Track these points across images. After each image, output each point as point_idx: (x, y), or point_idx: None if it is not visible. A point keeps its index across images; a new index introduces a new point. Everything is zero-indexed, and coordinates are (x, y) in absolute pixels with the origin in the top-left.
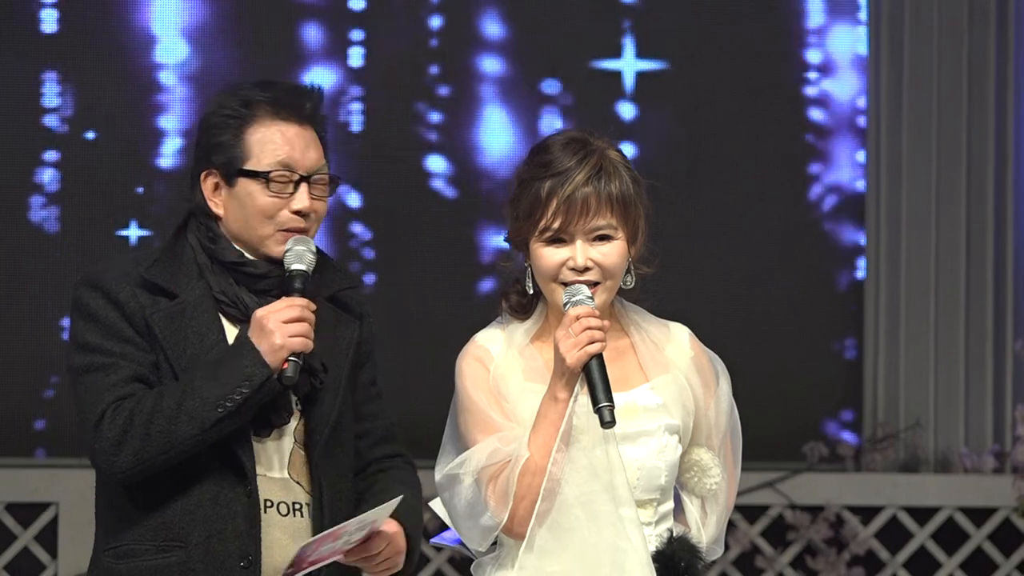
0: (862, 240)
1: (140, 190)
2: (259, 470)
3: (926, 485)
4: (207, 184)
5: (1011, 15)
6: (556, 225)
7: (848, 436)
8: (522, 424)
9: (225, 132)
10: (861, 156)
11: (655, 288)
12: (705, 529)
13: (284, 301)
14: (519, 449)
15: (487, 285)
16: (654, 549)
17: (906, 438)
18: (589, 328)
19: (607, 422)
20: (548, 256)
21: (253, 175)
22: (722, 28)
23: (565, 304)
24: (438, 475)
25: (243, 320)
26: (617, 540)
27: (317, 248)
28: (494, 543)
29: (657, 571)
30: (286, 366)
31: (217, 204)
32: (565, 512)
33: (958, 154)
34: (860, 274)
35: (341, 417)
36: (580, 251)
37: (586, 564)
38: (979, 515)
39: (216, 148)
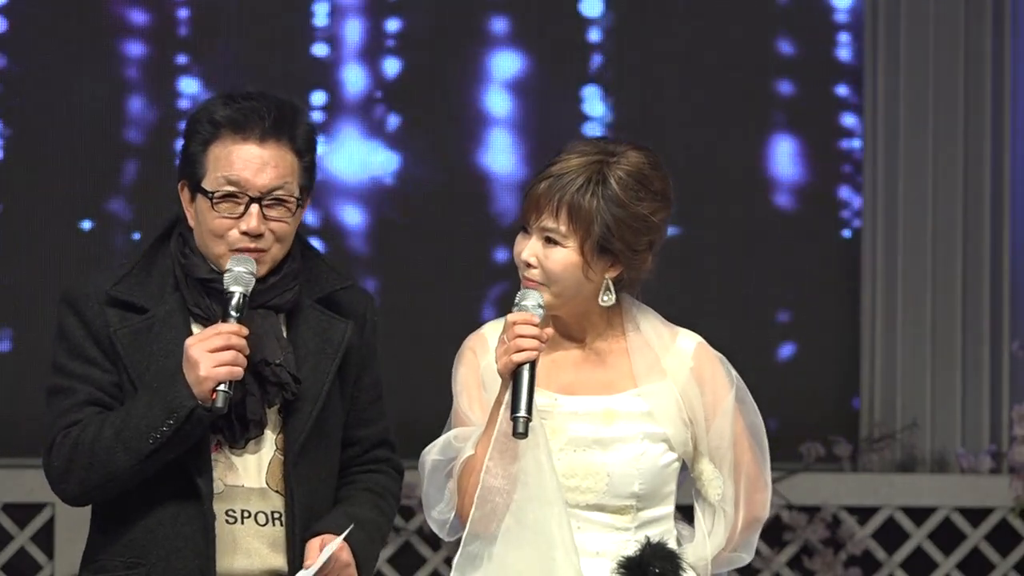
0: (859, 240)
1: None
2: (236, 481)
3: (923, 485)
4: (184, 195)
5: (1007, 16)
6: (522, 215)
7: (845, 436)
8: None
9: (195, 146)
10: (857, 157)
11: (653, 289)
12: (711, 538)
13: (211, 329)
14: (466, 447)
15: (492, 285)
16: (625, 556)
17: (903, 438)
18: (519, 336)
19: (518, 433)
20: (516, 244)
21: (205, 193)
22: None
23: (514, 305)
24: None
25: None
26: (547, 548)
27: (313, 250)
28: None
29: None
30: (215, 396)
31: (192, 216)
32: (496, 519)
33: (955, 154)
34: (857, 274)
35: (323, 423)
36: (529, 246)
37: (514, 570)
38: (976, 515)
39: (186, 161)
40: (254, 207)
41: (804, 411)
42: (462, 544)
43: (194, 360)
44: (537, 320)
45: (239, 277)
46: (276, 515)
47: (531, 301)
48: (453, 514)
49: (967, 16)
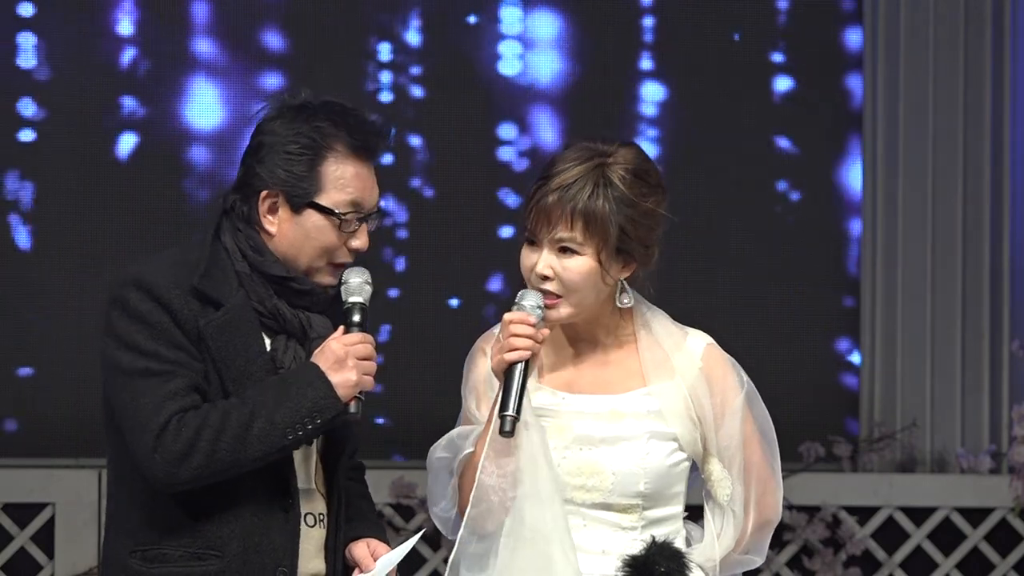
0: (859, 241)
1: None
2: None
3: (923, 485)
4: (264, 202)
5: (1007, 17)
6: (530, 227)
7: (845, 436)
8: None
9: (298, 163)
10: (858, 157)
11: (657, 287)
12: (720, 540)
13: (357, 337)
14: (466, 444)
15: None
16: (630, 555)
17: (903, 438)
18: (513, 335)
19: (504, 432)
20: (524, 258)
21: (325, 211)
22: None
23: (513, 304)
24: None
25: (277, 332)
26: (544, 545)
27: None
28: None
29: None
30: (351, 402)
31: (271, 223)
32: (492, 518)
33: (955, 154)
34: (857, 275)
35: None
36: (543, 258)
37: (513, 569)
38: (976, 515)
39: (287, 174)
40: (364, 225)
41: (804, 411)
42: (458, 543)
43: (349, 366)
44: (533, 320)
45: (360, 288)
46: (321, 516)
47: (530, 301)
48: (455, 511)
49: (967, 16)
